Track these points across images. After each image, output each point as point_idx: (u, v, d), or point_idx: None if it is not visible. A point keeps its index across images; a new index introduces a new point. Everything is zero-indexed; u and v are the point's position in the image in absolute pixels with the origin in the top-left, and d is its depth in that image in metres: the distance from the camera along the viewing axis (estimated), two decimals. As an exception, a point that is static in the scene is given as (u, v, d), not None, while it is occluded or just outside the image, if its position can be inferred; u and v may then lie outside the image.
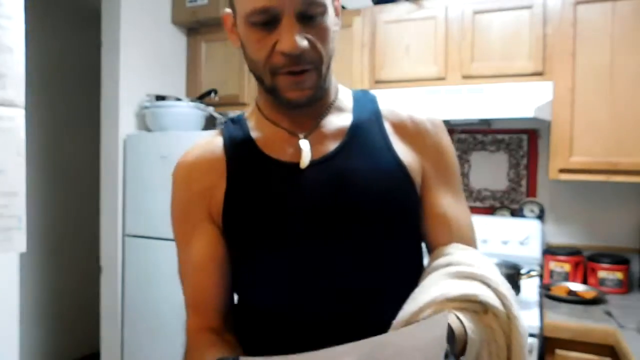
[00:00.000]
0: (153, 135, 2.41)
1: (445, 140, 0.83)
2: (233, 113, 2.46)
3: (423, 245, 0.83)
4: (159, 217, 2.35)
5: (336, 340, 0.56)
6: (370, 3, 2.34)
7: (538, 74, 2.03)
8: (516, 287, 1.87)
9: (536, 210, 2.31)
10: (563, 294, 1.92)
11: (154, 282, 2.35)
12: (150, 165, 2.37)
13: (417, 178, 0.78)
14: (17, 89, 0.62)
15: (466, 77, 2.15)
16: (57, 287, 3.31)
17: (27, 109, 0.65)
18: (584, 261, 2.15)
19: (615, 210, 2.21)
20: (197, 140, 0.88)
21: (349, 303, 0.73)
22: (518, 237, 2.23)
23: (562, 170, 2.00)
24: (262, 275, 0.77)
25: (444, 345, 0.47)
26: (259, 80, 0.75)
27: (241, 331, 0.81)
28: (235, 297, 0.85)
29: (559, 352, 1.66)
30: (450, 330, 0.58)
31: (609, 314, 1.74)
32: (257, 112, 0.83)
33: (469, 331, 0.62)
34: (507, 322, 0.66)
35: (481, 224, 2.24)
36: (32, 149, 3.01)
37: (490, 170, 2.42)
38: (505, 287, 0.69)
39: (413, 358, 0.45)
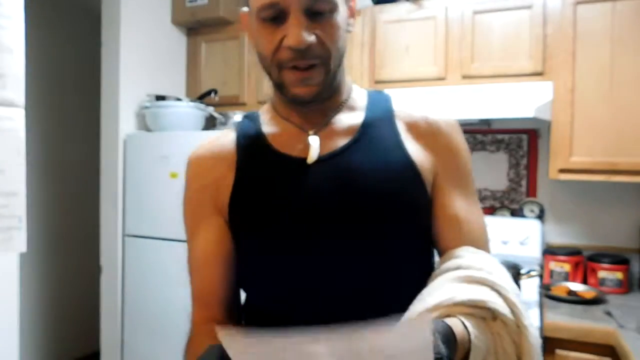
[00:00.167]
0: (153, 135, 2.41)
1: (459, 141, 0.81)
2: (233, 113, 2.46)
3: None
4: (159, 217, 2.35)
5: None
6: (370, 3, 2.35)
7: (538, 74, 2.03)
8: (516, 287, 1.86)
9: (536, 210, 2.31)
10: (563, 294, 1.92)
11: (154, 282, 2.35)
12: (150, 165, 2.37)
13: (428, 177, 0.76)
14: (17, 89, 0.62)
15: (466, 77, 2.15)
16: (57, 287, 3.31)
17: (27, 109, 0.65)
18: (584, 261, 2.15)
19: (615, 210, 2.21)
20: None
21: (349, 303, 0.72)
22: (518, 237, 2.23)
23: (562, 170, 2.00)
24: (263, 270, 0.77)
25: (430, 352, 0.45)
26: (268, 75, 0.76)
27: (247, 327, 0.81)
28: (243, 295, 0.85)
29: (559, 352, 1.66)
30: (451, 335, 0.57)
31: (609, 314, 1.74)
32: (271, 108, 0.84)
33: (474, 338, 0.60)
34: (516, 331, 0.64)
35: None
36: (32, 149, 3.01)
37: (490, 170, 2.42)
38: (515, 294, 0.67)
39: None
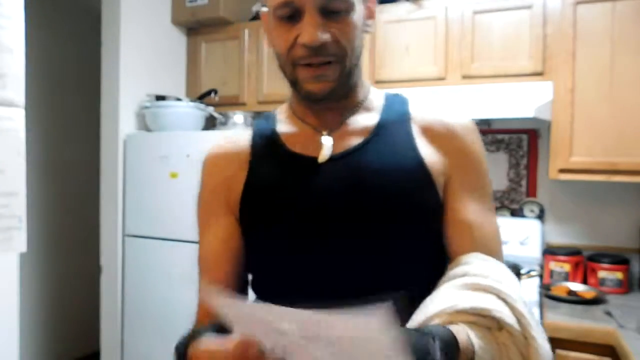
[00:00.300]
0: (153, 135, 2.41)
1: (475, 144, 0.80)
2: (233, 113, 2.46)
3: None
4: (159, 217, 2.35)
5: None
6: (370, 3, 2.34)
7: (538, 74, 2.03)
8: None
9: (536, 210, 2.31)
10: (563, 294, 1.92)
11: (154, 282, 2.35)
12: (150, 165, 2.37)
13: (439, 180, 0.75)
14: (17, 89, 0.62)
15: (466, 77, 2.15)
16: (57, 287, 3.31)
17: (27, 109, 0.65)
18: (584, 261, 2.15)
19: (615, 210, 2.21)
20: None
21: (354, 302, 0.71)
22: (518, 237, 2.23)
23: (562, 170, 2.00)
24: (269, 268, 0.78)
25: (385, 340, 0.45)
26: (283, 73, 0.76)
27: None
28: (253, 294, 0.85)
29: (559, 352, 1.66)
30: (453, 343, 0.56)
31: (609, 314, 1.74)
32: (288, 108, 0.85)
33: (478, 348, 0.59)
34: (524, 342, 0.61)
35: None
36: (32, 149, 3.01)
37: (490, 170, 2.42)
38: (524, 304, 0.64)
39: (364, 348, 0.44)
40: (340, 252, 0.72)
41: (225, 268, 0.80)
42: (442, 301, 0.64)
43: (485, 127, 2.40)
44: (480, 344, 0.59)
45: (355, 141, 0.77)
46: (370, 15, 0.77)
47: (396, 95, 0.85)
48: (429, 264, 0.75)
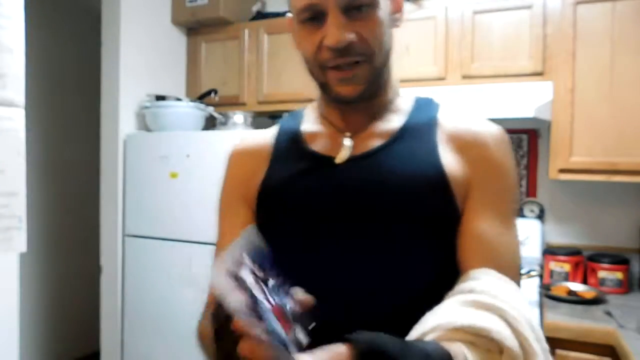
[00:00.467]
0: (153, 135, 2.41)
1: (502, 156, 0.75)
2: (233, 113, 2.46)
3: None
4: (159, 217, 2.35)
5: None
6: (370, 3, 2.34)
7: (538, 74, 2.03)
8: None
9: (536, 210, 2.31)
10: (563, 294, 1.92)
11: (154, 282, 2.35)
12: (150, 165, 2.37)
13: (459, 190, 0.72)
14: (17, 89, 0.62)
15: (466, 77, 2.15)
16: (57, 287, 3.31)
17: (27, 109, 0.65)
18: (584, 261, 2.15)
19: (615, 210, 2.21)
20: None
21: (359, 304, 0.70)
22: (518, 237, 2.23)
23: (562, 170, 2.00)
24: (282, 265, 0.78)
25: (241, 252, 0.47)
26: (312, 76, 0.76)
27: None
28: None
29: (559, 352, 1.66)
30: None
31: (609, 314, 1.74)
32: (316, 107, 0.85)
33: None
34: None
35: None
36: (32, 149, 3.02)
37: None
38: (528, 328, 0.59)
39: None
40: (349, 251, 0.72)
41: None
42: (442, 316, 0.61)
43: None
44: None
45: (377, 143, 0.76)
46: (397, 9, 0.75)
47: (427, 100, 0.84)
48: (437, 273, 0.72)
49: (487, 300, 0.60)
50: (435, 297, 0.66)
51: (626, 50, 1.89)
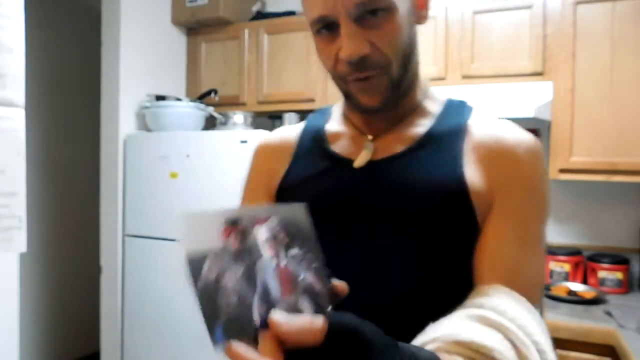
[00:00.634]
0: (153, 135, 2.41)
1: (531, 167, 0.69)
2: (233, 113, 2.46)
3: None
4: (159, 217, 2.35)
5: None
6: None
7: (538, 74, 2.03)
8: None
9: (536, 210, 2.31)
10: (563, 294, 1.92)
11: (154, 282, 2.35)
12: (150, 165, 2.37)
13: (479, 203, 0.67)
14: (17, 89, 0.62)
15: (466, 77, 2.15)
16: (57, 287, 3.31)
17: (27, 109, 0.65)
18: (584, 261, 2.15)
19: (615, 210, 2.21)
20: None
21: (365, 306, 0.66)
22: (518, 237, 2.23)
23: (562, 170, 2.00)
24: None
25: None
26: (337, 86, 0.75)
27: None
28: None
29: (559, 352, 1.66)
30: None
31: (609, 314, 1.74)
32: (340, 105, 0.85)
33: None
34: None
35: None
36: (32, 149, 3.02)
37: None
38: (534, 352, 0.56)
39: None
40: (356, 254, 0.71)
41: None
42: (445, 327, 0.58)
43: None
44: None
45: (399, 149, 0.74)
46: (422, 4, 0.71)
47: (459, 103, 0.79)
48: (447, 283, 0.69)
49: (495, 318, 0.57)
50: (435, 309, 0.63)
51: (626, 50, 1.89)
